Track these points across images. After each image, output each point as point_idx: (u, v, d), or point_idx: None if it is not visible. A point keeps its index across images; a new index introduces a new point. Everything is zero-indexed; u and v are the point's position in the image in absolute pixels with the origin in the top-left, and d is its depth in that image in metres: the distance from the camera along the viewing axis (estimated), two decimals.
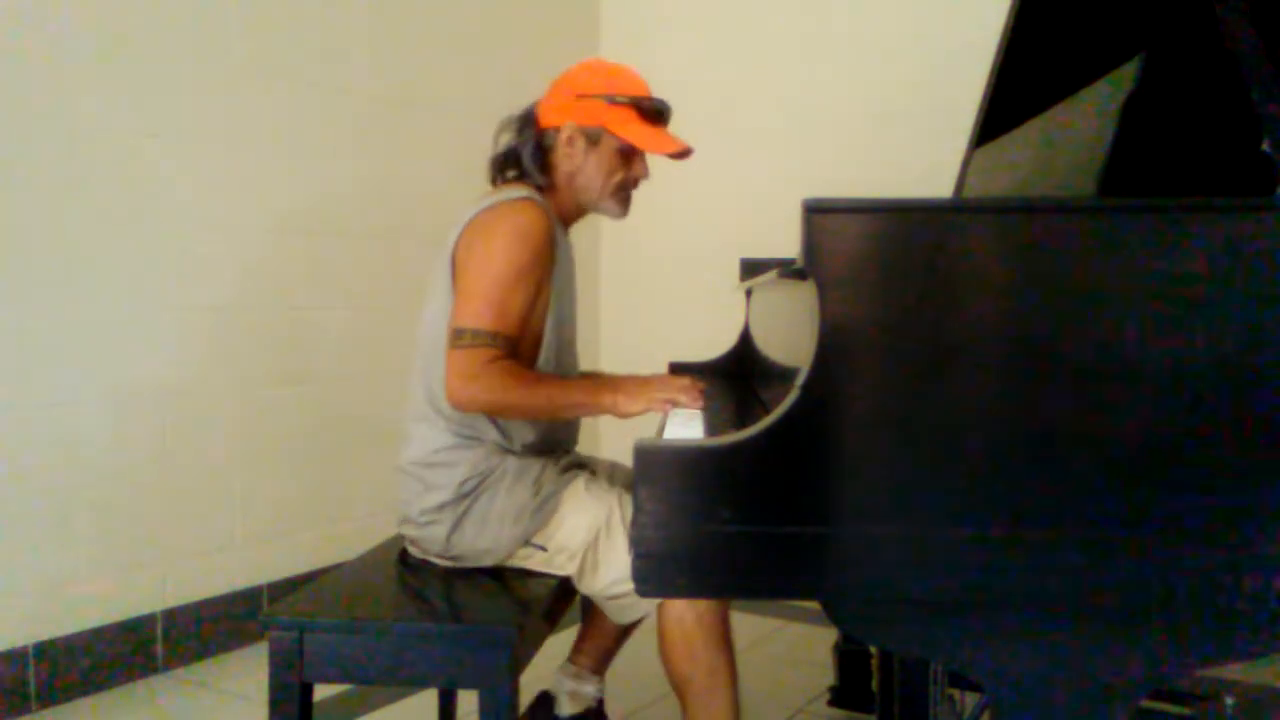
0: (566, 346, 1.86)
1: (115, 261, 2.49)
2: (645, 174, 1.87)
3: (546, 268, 1.74)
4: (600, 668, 2.02)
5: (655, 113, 1.82)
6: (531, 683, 2.20)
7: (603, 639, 2.00)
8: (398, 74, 3.22)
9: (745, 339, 2.39)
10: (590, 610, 1.99)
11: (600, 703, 2.03)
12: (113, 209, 2.48)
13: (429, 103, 3.31)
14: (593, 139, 1.80)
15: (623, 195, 1.86)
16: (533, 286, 1.71)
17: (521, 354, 1.74)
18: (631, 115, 1.79)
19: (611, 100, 1.79)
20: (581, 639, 2.03)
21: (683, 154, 1.84)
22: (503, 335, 1.66)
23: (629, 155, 1.83)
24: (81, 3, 2.41)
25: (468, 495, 1.70)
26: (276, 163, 2.86)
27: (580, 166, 1.82)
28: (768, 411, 1.07)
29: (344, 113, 3.04)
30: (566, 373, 1.85)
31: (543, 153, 1.83)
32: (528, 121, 1.85)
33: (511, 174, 1.86)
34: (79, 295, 2.42)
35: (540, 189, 1.82)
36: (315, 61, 2.96)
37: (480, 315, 1.66)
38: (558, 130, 1.81)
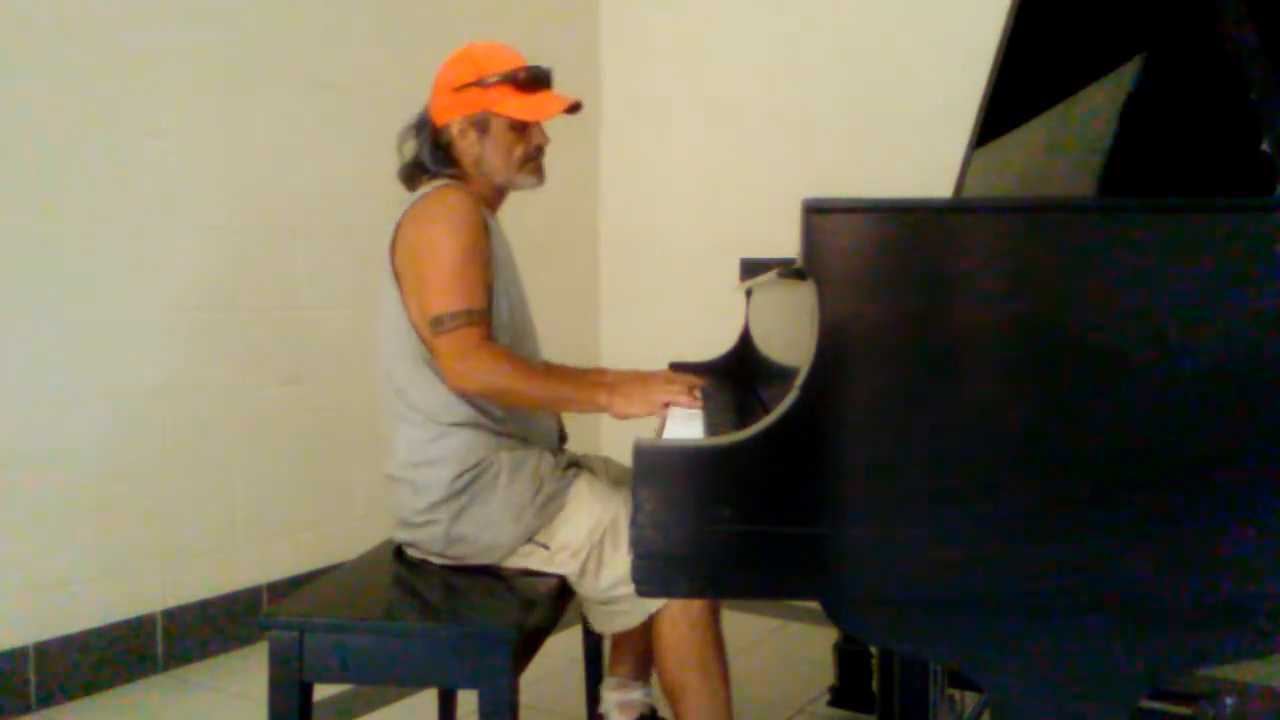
0: (523, 329, 1.87)
1: (115, 261, 2.49)
2: (545, 139, 1.88)
3: (486, 242, 1.77)
4: (642, 673, 1.95)
5: (532, 80, 1.83)
6: (531, 683, 2.20)
7: (635, 642, 1.92)
8: (397, 73, 3.22)
9: (745, 339, 2.39)
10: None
11: (653, 709, 1.95)
12: (112, 209, 2.48)
13: (426, 100, 3.31)
14: (481, 126, 1.82)
15: (531, 165, 1.87)
16: (483, 261, 1.74)
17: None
18: (508, 90, 1.81)
19: (484, 84, 1.81)
20: (615, 648, 1.96)
21: (572, 109, 1.85)
22: (477, 310, 1.69)
23: (520, 128, 1.84)
24: (79, 2, 2.41)
25: (462, 491, 1.70)
26: (276, 162, 2.86)
27: (480, 154, 1.83)
28: (768, 411, 1.07)
29: (343, 112, 3.04)
30: (529, 358, 1.87)
31: (443, 149, 1.85)
32: (423, 125, 1.88)
33: (424, 178, 1.88)
34: (78, 295, 2.42)
35: (454, 179, 1.84)
36: (314, 61, 2.96)
37: (448, 298, 1.67)
38: (449, 126, 1.84)
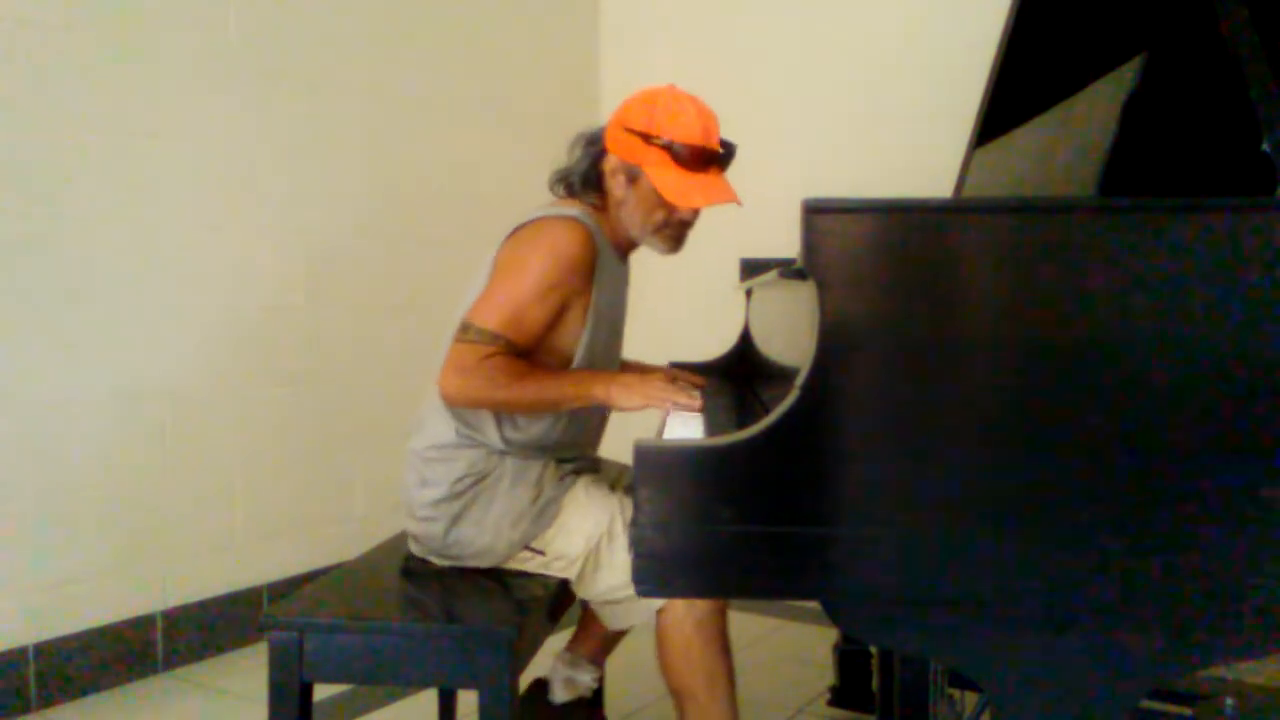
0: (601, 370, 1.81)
1: (114, 261, 2.49)
2: (691, 217, 1.79)
3: (578, 289, 1.71)
4: (599, 657, 2.02)
5: (695, 159, 1.71)
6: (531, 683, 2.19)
7: (603, 629, 1.95)
8: (398, 74, 3.22)
9: (745, 339, 2.39)
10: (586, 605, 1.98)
11: (597, 693, 2.02)
12: (113, 209, 2.48)
13: (428, 103, 3.31)
14: (632, 176, 1.75)
15: (668, 234, 1.79)
16: (556, 305, 1.69)
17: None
18: (666, 159, 1.71)
19: (648, 140, 1.71)
20: (582, 627, 2.01)
21: (725, 200, 1.74)
22: (505, 339, 1.65)
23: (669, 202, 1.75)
24: (80, 2, 2.41)
25: (463, 494, 1.70)
26: (276, 163, 2.86)
27: (623, 200, 1.77)
28: (768, 411, 1.07)
29: (344, 113, 3.04)
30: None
31: (597, 176, 1.79)
32: (593, 140, 1.81)
33: (562, 191, 1.83)
34: (77, 295, 2.42)
35: (597, 209, 1.79)
36: (316, 62, 2.96)
37: (492, 316, 1.66)
38: (610, 157, 1.77)
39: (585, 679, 1.99)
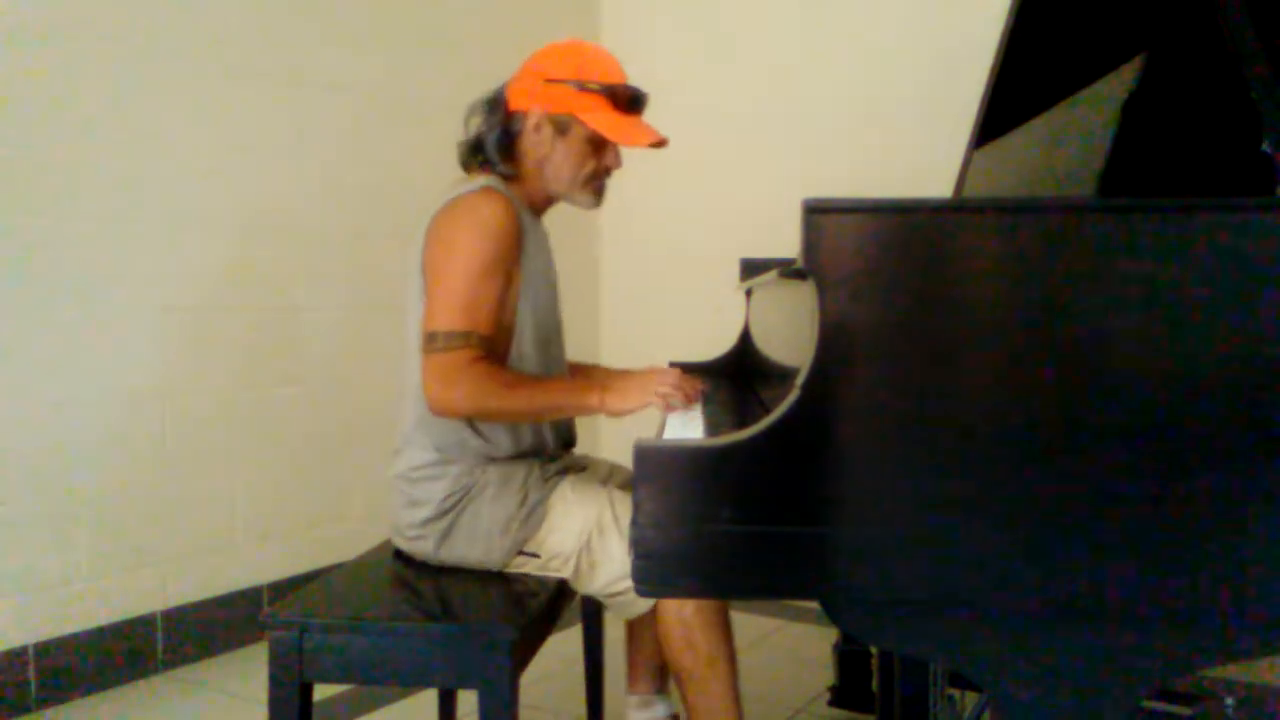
0: (549, 338, 1.80)
1: (115, 261, 2.49)
2: (617, 164, 1.78)
3: (513, 258, 1.68)
4: (661, 685, 1.93)
5: (629, 101, 1.71)
6: (531, 683, 2.20)
7: (649, 655, 1.90)
8: (393, 73, 3.22)
9: (745, 339, 2.39)
10: (629, 633, 1.91)
11: (676, 718, 1.91)
12: (111, 209, 2.48)
13: (425, 101, 3.31)
14: (561, 127, 1.72)
15: (595, 185, 1.78)
16: (501, 279, 1.66)
17: (494, 349, 1.69)
18: (603, 103, 1.70)
19: (581, 86, 1.69)
20: (631, 665, 1.93)
21: (658, 144, 1.74)
22: (476, 334, 1.62)
23: (600, 144, 1.74)
24: (79, 2, 2.41)
25: (450, 511, 1.68)
26: (275, 162, 2.86)
27: (548, 155, 1.74)
28: (768, 411, 1.07)
29: (339, 112, 3.04)
30: (552, 366, 1.80)
31: (509, 139, 1.74)
32: (496, 105, 1.77)
33: (479, 160, 1.78)
34: (78, 295, 2.42)
35: (506, 178, 1.75)
36: (310, 60, 2.96)
37: (451, 316, 1.61)
38: (525, 115, 1.73)
39: (661, 712, 1.91)
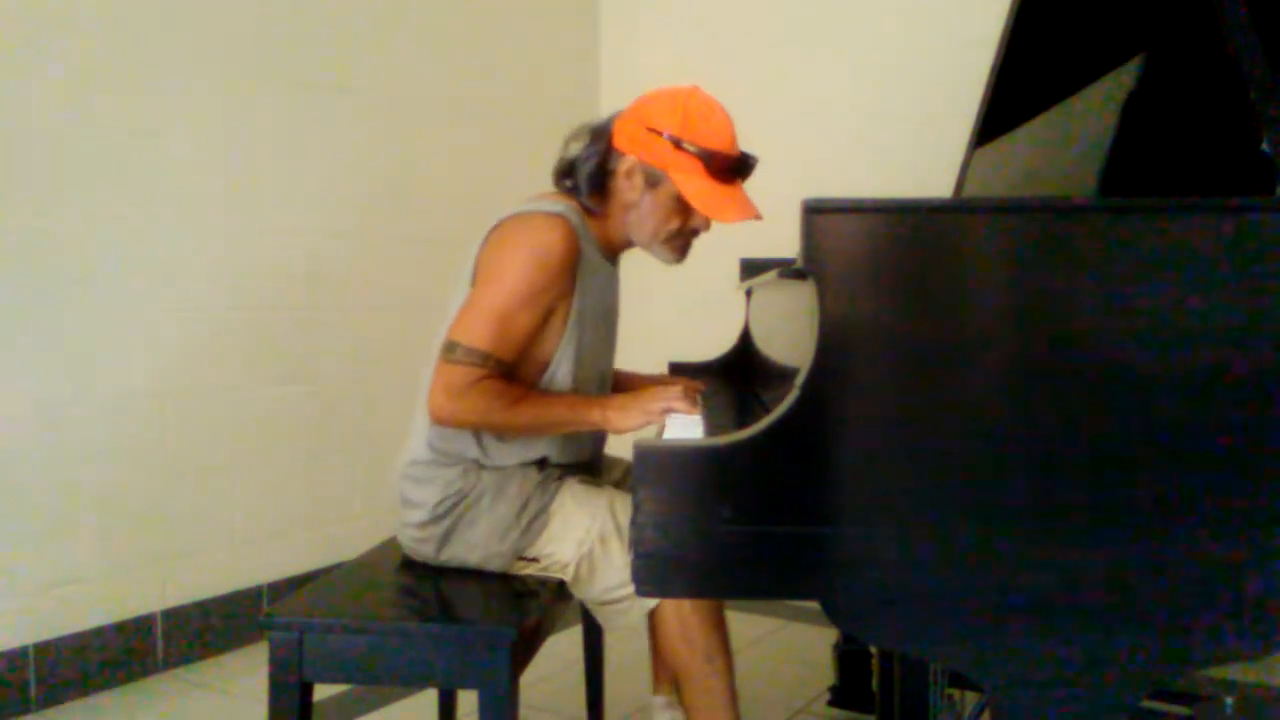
0: (590, 378, 1.77)
1: (115, 261, 2.49)
2: (706, 227, 1.73)
3: (561, 292, 1.65)
4: None
5: (727, 170, 1.65)
6: (531, 683, 2.20)
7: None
8: (398, 74, 3.22)
9: (745, 339, 2.39)
10: (651, 633, 1.87)
11: None
12: (112, 209, 2.48)
13: (428, 103, 3.31)
14: (653, 180, 1.67)
15: (677, 244, 1.74)
16: (543, 310, 1.64)
17: (523, 378, 1.68)
18: (698, 166, 1.63)
19: (679, 144, 1.63)
20: (656, 666, 1.93)
21: (749, 217, 1.67)
22: (495, 358, 1.60)
23: (689, 205, 1.68)
24: (79, 1, 2.41)
25: (444, 516, 1.68)
26: (276, 164, 2.86)
27: (635, 204, 1.70)
28: (768, 411, 1.07)
29: (343, 114, 3.04)
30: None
31: (603, 175, 1.70)
32: (600, 136, 1.72)
33: (568, 184, 1.74)
34: (78, 295, 2.42)
35: (588, 211, 1.73)
36: (315, 62, 2.96)
37: (478, 333, 1.60)
38: (622, 157, 1.69)
39: None
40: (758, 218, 1.67)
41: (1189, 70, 1.31)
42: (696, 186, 1.64)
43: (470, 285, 1.68)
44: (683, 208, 1.69)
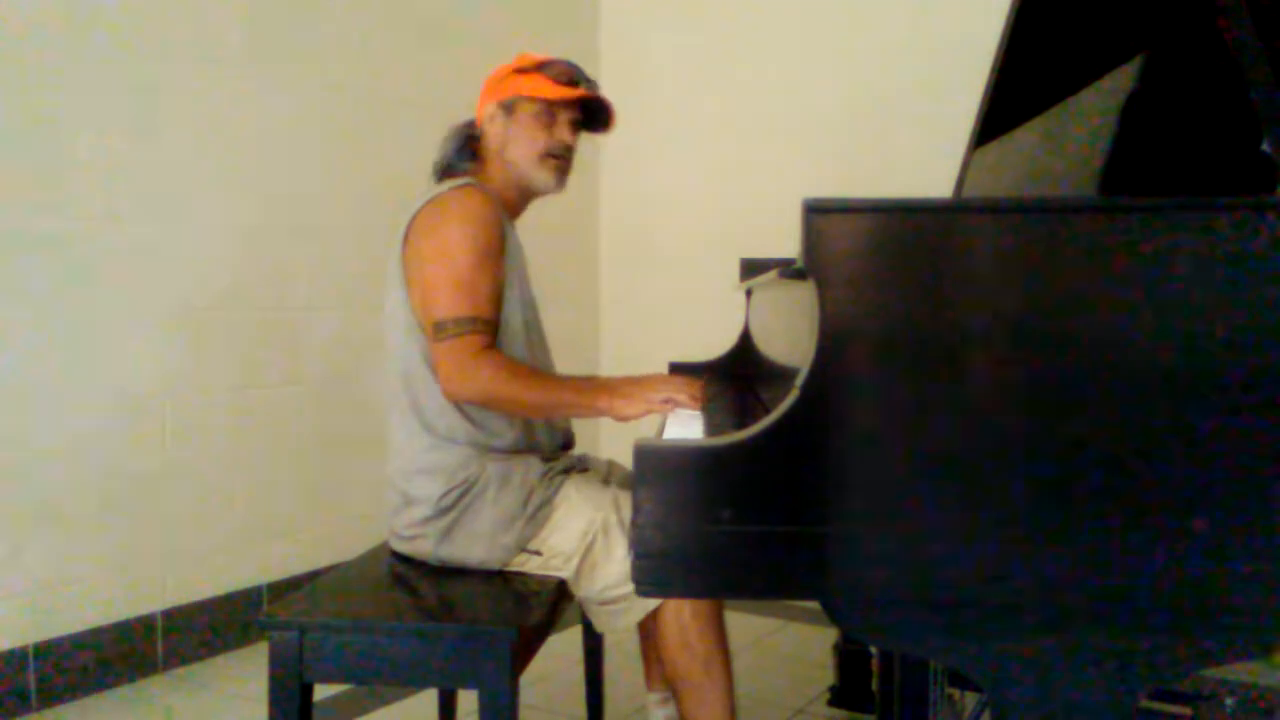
0: (537, 337, 1.85)
1: (115, 261, 2.49)
2: (570, 138, 1.84)
3: (502, 249, 1.74)
4: None
5: (566, 76, 1.82)
6: (531, 683, 2.20)
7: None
8: (394, 74, 3.22)
9: (745, 339, 2.39)
10: (642, 632, 1.90)
11: None
12: (112, 209, 2.48)
13: (426, 103, 3.31)
14: (508, 109, 1.81)
15: (552, 162, 1.83)
16: (496, 266, 1.72)
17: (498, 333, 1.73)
18: (540, 78, 1.80)
19: (520, 70, 1.82)
20: (648, 664, 1.95)
21: (602, 112, 1.85)
22: (482, 319, 1.66)
23: (548, 121, 1.81)
24: (79, 1, 2.41)
25: (449, 510, 1.68)
26: (276, 163, 2.86)
27: (503, 141, 1.82)
28: (768, 411, 1.07)
29: (340, 113, 3.04)
30: (541, 364, 1.84)
31: (471, 144, 1.84)
32: (461, 127, 1.88)
33: (447, 176, 1.86)
34: (77, 295, 2.42)
35: (475, 177, 1.82)
36: (315, 62, 2.96)
37: (455, 303, 1.65)
38: (482, 120, 1.84)
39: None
40: (597, 96, 1.84)
41: (1189, 70, 1.31)
42: (544, 87, 1.80)
43: (401, 275, 1.74)
44: (544, 121, 1.81)
